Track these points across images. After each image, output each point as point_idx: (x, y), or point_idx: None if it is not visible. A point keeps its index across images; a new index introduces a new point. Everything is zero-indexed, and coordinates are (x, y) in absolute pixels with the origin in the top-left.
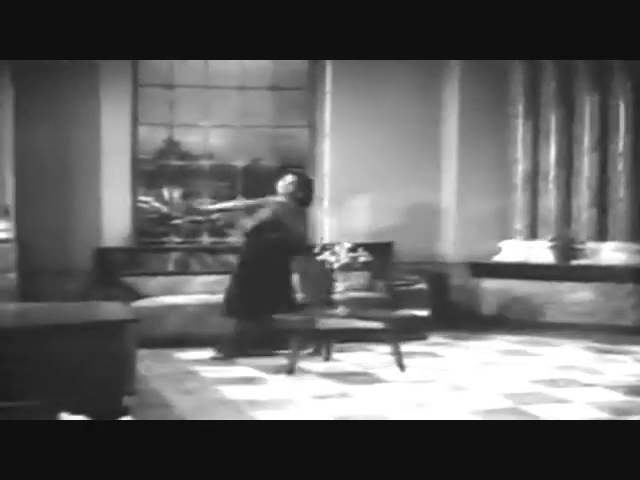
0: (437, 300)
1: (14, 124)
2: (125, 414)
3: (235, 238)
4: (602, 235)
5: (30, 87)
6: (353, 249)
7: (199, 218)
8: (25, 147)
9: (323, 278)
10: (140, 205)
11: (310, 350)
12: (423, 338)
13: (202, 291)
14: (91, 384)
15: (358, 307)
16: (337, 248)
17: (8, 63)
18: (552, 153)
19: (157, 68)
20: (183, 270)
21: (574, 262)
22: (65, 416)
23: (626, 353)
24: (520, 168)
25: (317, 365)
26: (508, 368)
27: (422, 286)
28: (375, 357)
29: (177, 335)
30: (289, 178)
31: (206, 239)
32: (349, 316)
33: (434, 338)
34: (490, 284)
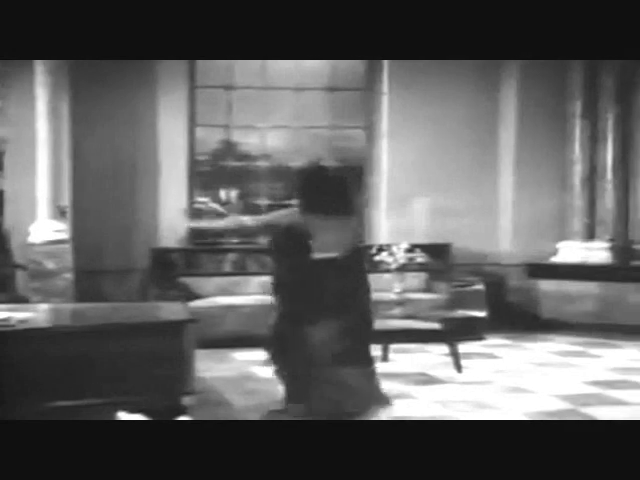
0: (495, 301)
1: (71, 125)
2: (183, 414)
3: None
4: None
5: (87, 88)
6: (410, 250)
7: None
8: (82, 148)
9: None
10: (197, 206)
11: None
12: (480, 339)
13: (259, 291)
14: (149, 384)
15: (415, 308)
16: (394, 249)
17: (66, 63)
18: (610, 153)
19: (214, 69)
20: (239, 270)
21: (632, 263)
22: (123, 415)
23: None
24: (578, 168)
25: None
26: (566, 370)
27: (479, 287)
28: (432, 358)
29: (234, 335)
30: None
31: (263, 239)
32: (406, 317)
33: (492, 339)
34: (548, 285)
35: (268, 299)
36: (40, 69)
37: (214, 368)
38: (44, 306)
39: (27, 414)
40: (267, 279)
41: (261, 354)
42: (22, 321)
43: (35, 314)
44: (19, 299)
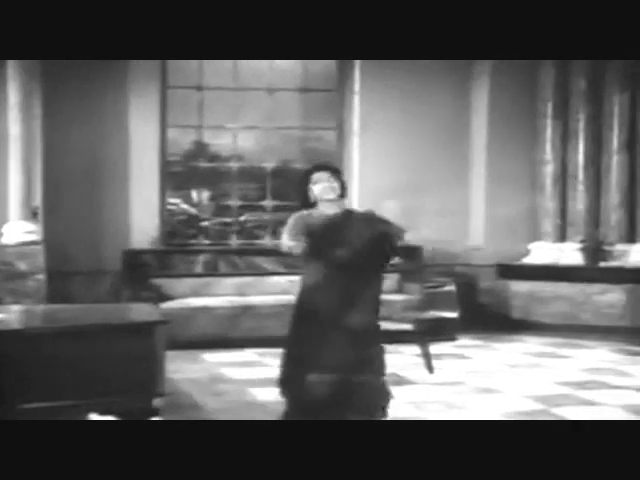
0: (466, 302)
1: (43, 125)
2: (154, 415)
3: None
4: (631, 236)
5: (59, 88)
6: None
7: (228, 220)
8: (54, 149)
9: None
10: (169, 207)
11: None
12: (452, 340)
13: (230, 293)
14: (121, 385)
15: (387, 309)
16: None
17: (38, 63)
18: (581, 153)
19: (186, 70)
20: (211, 272)
21: (603, 264)
22: (94, 416)
23: None
24: (549, 169)
25: None
26: (537, 370)
27: (451, 288)
28: (404, 359)
29: (205, 337)
30: (326, 176)
31: (235, 241)
32: None
33: (463, 340)
34: (519, 286)
35: (239, 300)
36: (12, 68)
37: (185, 369)
38: (16, 307)
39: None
40: (238, 280)
41: (232, 355)
42: None
43: (7, 315)
44: None
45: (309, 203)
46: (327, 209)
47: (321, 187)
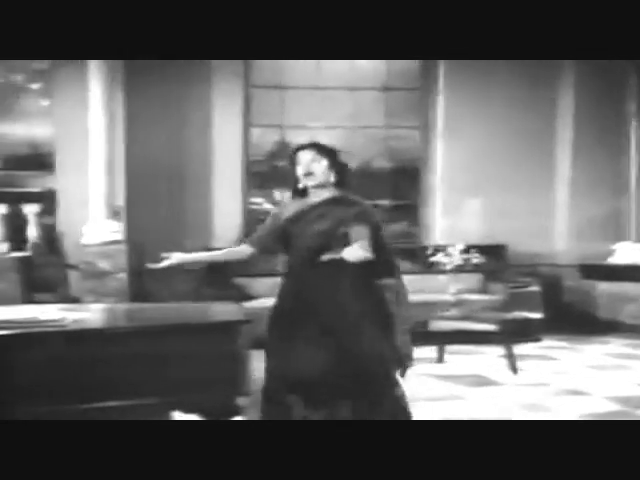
0: (551, 302)
1: (126, 126)
2: (238, 414)
3: None
4: None
5: (142, 89)
6: (466, 251)
7: None
8: (137, 149)
9: None
10: (251, 206)
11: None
12: (537, 340)
13: None
14: (204, 384)
15: (471, 309)
16: (450, 250)
17: (121, 63)
18: None
19: (268, 69)
20: None
21: None
22: (178, 415)
23: None
24: (634, 169)
25: (430, 367)
26: (622, 372)
27: (536, 288)
28: (488, 359)
29: None
30: (308, 157)
31: None
32: (462, 318)
33: (548, 341)
34: (604, 286)
35: None
36: (94, 66)
37: None
38: (99, 306)
39: (82, 414)
40: None
41: None
42: (77, 321)
43: (90, 314)
44: (71, 299)
45: (299, 190)
46: (313, 197)
47: (299, 170)
